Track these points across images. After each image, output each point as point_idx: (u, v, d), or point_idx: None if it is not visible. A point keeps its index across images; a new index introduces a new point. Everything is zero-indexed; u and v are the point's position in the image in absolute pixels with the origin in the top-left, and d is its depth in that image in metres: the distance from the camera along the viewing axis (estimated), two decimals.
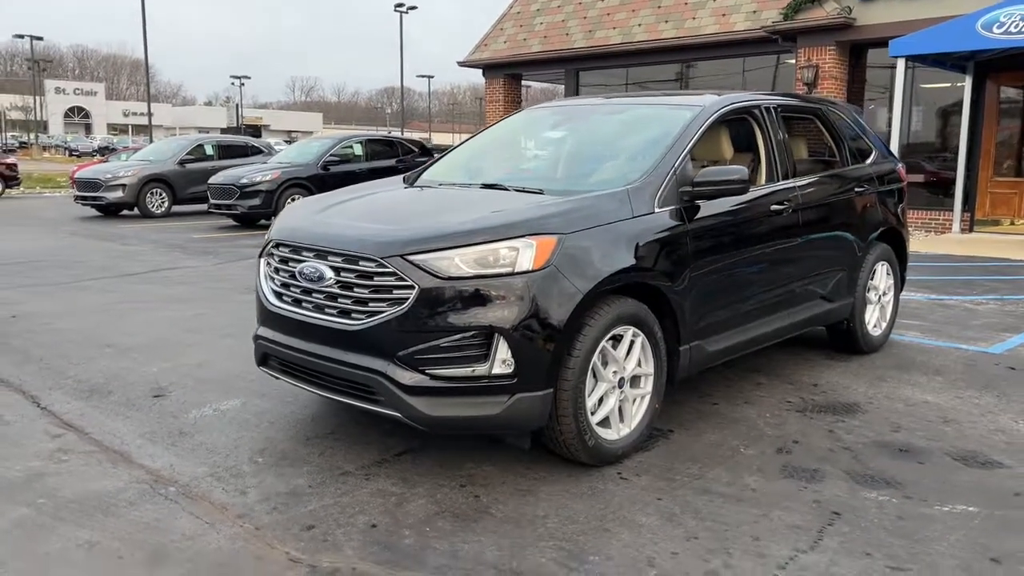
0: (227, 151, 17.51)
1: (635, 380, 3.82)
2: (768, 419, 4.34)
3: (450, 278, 3.29)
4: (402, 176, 4.77)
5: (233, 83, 74.30)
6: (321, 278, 3.55)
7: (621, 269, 3.60)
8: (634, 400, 3.82)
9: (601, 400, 3.66)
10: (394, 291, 3.34)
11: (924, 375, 5.18)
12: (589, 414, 3.56)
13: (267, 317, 3.86)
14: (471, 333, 3.29)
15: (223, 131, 60.60)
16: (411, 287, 3.29)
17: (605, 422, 3.68)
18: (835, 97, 13.36)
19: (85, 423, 4.19)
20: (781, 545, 3.00)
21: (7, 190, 24.28)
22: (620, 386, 3.71)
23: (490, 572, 2.81)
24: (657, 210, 3.85)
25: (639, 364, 3.80)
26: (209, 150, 17.32)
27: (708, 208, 4.08)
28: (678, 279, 3.88)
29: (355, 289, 3.45)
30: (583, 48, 18.44)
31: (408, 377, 3.32)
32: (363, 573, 2.80)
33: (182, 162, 16.69)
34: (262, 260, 3.98)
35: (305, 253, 3.66)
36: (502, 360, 3.32)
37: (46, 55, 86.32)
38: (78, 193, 16.44)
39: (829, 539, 3.05)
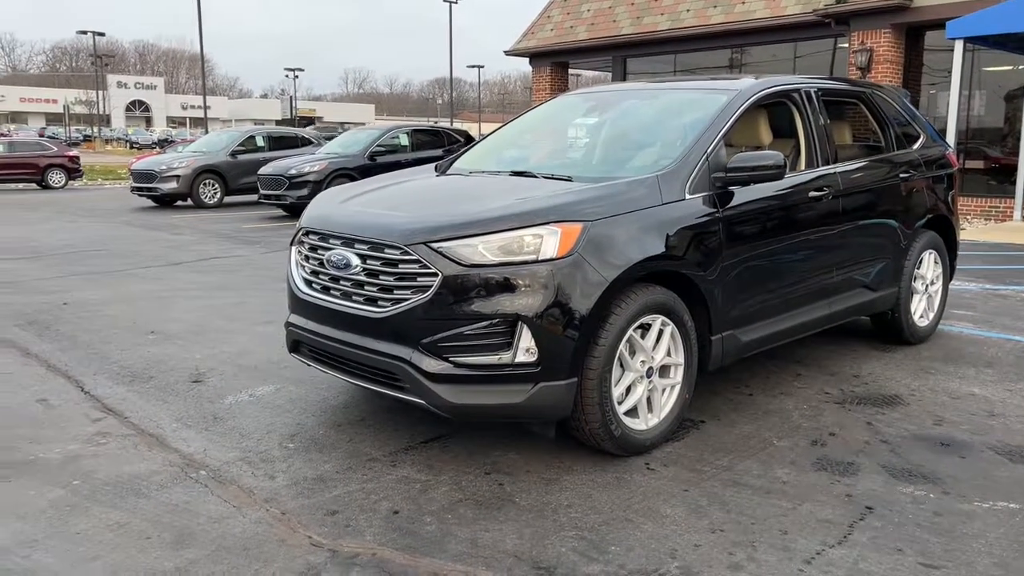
0: (278, 142, 17.78)
1: (664, 370, 3.76)
2: (804, 411, 4.24)
3: (473, 265, 3.27)
4: (434, 164, 4.77)
5: (287, 75, 75.45)
6: (348, 265, 3.57)
7: (649, 257, 3.55)
8: (663, 390, 3.76)
9: (629, 390, 3.62)
10: (418, 278, 3.34)
11: (973, 367, 5.00)
12: (616, 404, 3.52)
13: (297, 304, 3.90)
14: (495, 321, 3.27)
15: (277, 123, 61.54)
16: (435, 274, 3.29)
17: (633, 412, 3.63)
18: (885, 81, 12.97)
19: (125, 407, 4.29)
20: (809, 539, 2.93)
21: (70, 182, 25.09)
22: (648, 376, 3.66)
23: (509, 560, 2.80)
24: (688, 197, 3.78)
25: (668, 353, 3.74)
26: (260, 141, 17.61)
27: (742, 195, 3.99)
28: (710, 267, 3.81)
29: (381, 277, 3.46)
30: (630, 35, 18.25)
31: (432, 364, 3.32)
32: (383, 559, 2.81)
33: (234, 153, 17.00)
34: (293, 248, 4.02)
35: (333, 241, 3.68)
36: (526, 348, 3.30)
37: (109, 50, 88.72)
38: (134, 184, 16.86)
39: (859, 534, 2.97)
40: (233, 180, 16.83)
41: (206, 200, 16.57)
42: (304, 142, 18.03)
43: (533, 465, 3.56)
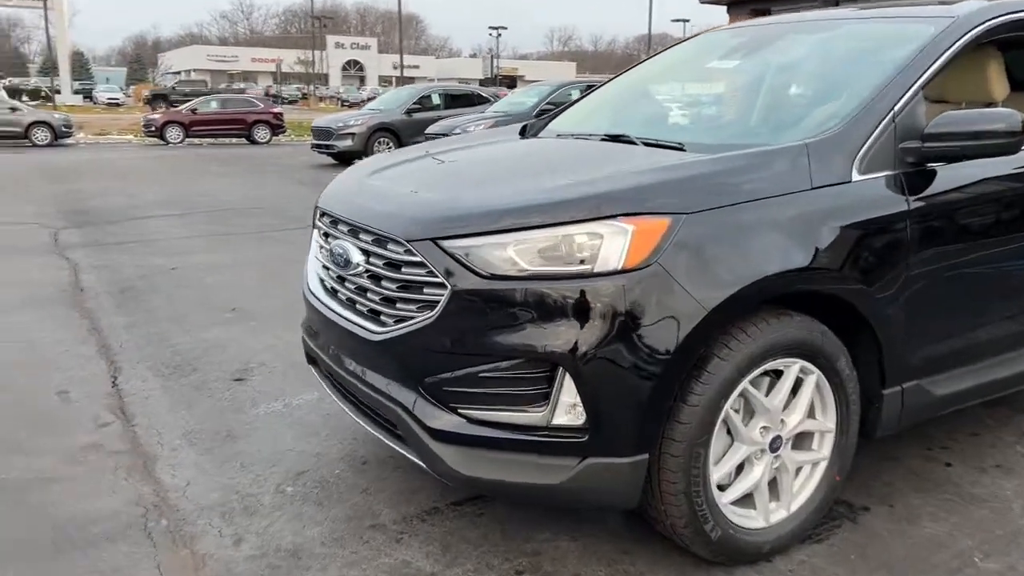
0: (453, 100, 17.23)
1: (802, 439, 2.53)
2: None
3: (497, 276, 2.19)
4: (524, 125, 3.68)
5: (491, 34, 75.83)
6: (348, 262, 2.61)
7: (786, 271, 2.30)
8: (798, 469, 2.53)
9: (740, 469, 2.43)
10: (424, 289, 2.31)
11: None
12: (715, 491, 2.34)
13: (306, 305, 3.00)
14: (523, 362, 2.19)
15: (480, 83, 62.05)
16: (443, 286, 2.25)
17: (745, 501, 2.44)
18: None
19: (142, 411, 3.63)
20: None
21: (274, 137, 26.15)
22: (774, 449, 2.44)
23: None
24: (858, 177, 2.46)
25: (810, 415, 2.50)
26: (436, 100, 17.13)
27: (948, 176, 2.60)
28: (887, 286, 2.49)
29: (383, 282, 2.46)
30: None
31: (434, 415, 2.30)
32: None
33: (409, 111, 16.64)
34: (314, 231, 3.12)
35: (341, 227, 2.73)
36: (569, 405, 2.19)
37: (331, 12, 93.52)
38: (314, 141, 16.98)
39: None
40: (407, 138, 16.43)
41: None
42: (480, 100, 17.35)
43: (589, 562, 2.47)
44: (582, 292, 2.15)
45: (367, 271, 2.52)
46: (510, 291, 2.18)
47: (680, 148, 2.68)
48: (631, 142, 2.87)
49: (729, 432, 2.38)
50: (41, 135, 23.69)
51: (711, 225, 2.24)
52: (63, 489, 2.92)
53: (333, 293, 2.77)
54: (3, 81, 61.74)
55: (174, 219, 9.25)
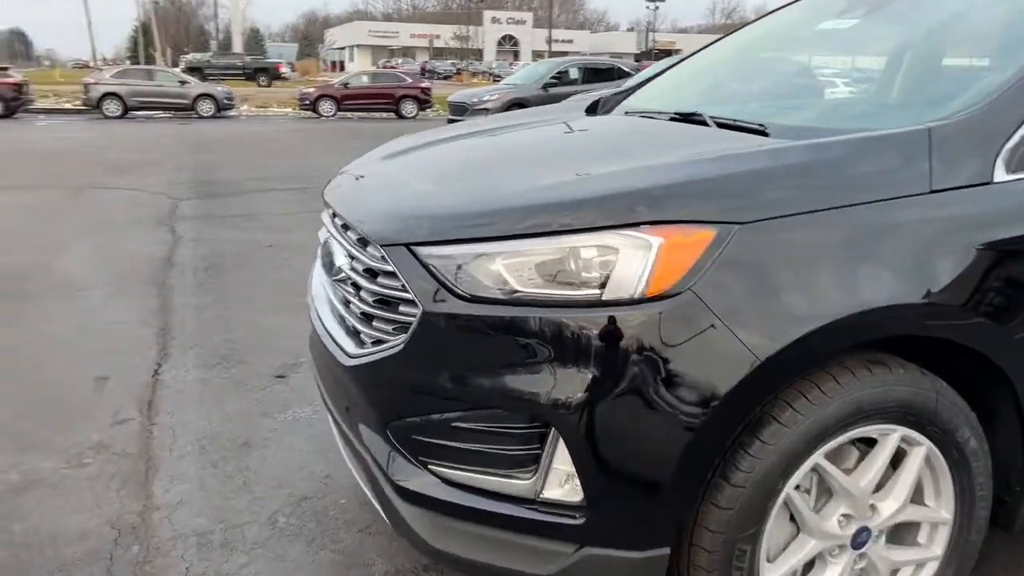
0: (593, 74, 16.59)
1: (902, 531, 1.86)
2: None
3: (477, 299, 1.67)
4: (597, 100, 3.09)
5: (648, 7, 73.60)
6: (331, 264, 2.16)
7: (884, 307, 1.64)
8: (894, 572, 1.87)
9: (809, 569, 1.80)
10: (400, 307, 1.82)
11: None
12: None
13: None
14: (505, 413, 1.67)
15: (636, 57, 60.62)
16: (415, 304, 1.74)
17: None
18: None
19: (168, 407, 3.37)
20: None
21: (420, 112, 26.38)
22: (858, 544, 1.80)
23: None
24: (1004, 177, 1.75)
25: (915, 500, 1.83)
26: (574, 74, 16.54)
27: None
28: None
29: (361, 292, 1.99)
30: None
31: (402, 467, 1.82)
32: None
33: (546, 86, 16.14)
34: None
35: (337, 220, 2.28)
36: (563, 475, 1.65)
37: None
38: (450, 116, 16.80)
39: None
40: None
41: None
42: (621, 74, 16.59)
43: None
44: (582, 327, 1.59)
45: (349, 278, 2.06)
46: (494, 319, 1.65)
47: (761, 131, 2.04)
48: (702, 122, 2.25)
49: (792, 519, 1.76)
50: (206, 107, 24.95)
51: (775, 240, 1.62)
52: (47, 499, 2.66)
53: (325, 301, 2.33)
54: (186, 57, 66.12)
55: (292, 193, 9.21)
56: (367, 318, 1.95)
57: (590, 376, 1.59)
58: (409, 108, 25.87)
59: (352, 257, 2.05)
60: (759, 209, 1.63)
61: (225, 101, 25.44)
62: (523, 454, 1.67)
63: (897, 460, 1.81)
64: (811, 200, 1.65)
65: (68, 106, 26.50)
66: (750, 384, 1.57)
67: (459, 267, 1.69)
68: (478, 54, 78.33)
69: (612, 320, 1.58)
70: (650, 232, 1.60)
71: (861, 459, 1.79)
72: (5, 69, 26.78)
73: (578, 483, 1.63)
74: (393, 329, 1.84)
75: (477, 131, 2.70)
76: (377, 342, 1.89)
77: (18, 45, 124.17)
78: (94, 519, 2.54)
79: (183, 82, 25.55)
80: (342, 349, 2.01)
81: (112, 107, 23.99)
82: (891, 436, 1.75)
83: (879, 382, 1.70)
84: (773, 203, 1.64)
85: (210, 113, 24.74)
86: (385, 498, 1.86)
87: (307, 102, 26.00)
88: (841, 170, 1.71)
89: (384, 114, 25.85)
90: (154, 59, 39.74)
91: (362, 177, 2.37)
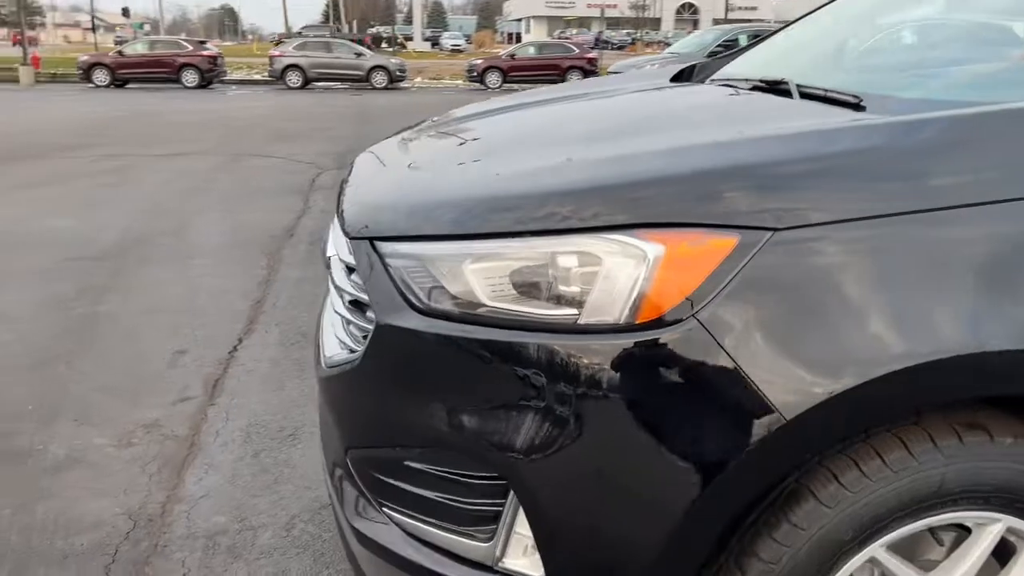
0: None
1: None
2: None
3: (434, 313, 1.33)
4: (687, 67, 2.63)
5: None
6: (324, 254, 1.89)
7: (980, 352, 1.15)
8: None
9: None
10: (367, 312, 1.51)
11: None
12: None
13: None
14: (461, 460, 1.33)
15: None
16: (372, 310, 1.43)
17: None
18: None
19: (232, 387, 3.27)
20: None
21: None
22: None
23: None
24: None
25: None
26: (744, 42, 15.46)
27: None
28: None
29: (343, 293, 1.70)
30: None
31: (359, 505, 1.53)
32: None
33: (711, 54, 15.20)
34: None
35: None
36: (527, 543, 1.30)
37: None
38: None
39: None
40: None
41: None
42: None
43: None
44: (549, 359, 1.22)
45: (335, 275, 1.78)
46: (451, 340, 1.30)
47: (855, 103, 1.55)
48: (786, 92, 1.77)
49: None
50: (379, 78, 25.74)
51: (827, 252, 1.17)
52: (81, 480, 2.59)
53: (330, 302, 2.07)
54: (372, 29, 68.81)
55: None
56: (345, 322, 1.66)
57: (553, 424, 1.22)
58: (575, 79, 25.49)
59: (337, 250, 1.76)
60: (806, 209, 1.18)
61: (398, 73, 26.12)
62: (482, 510, 1.33)
63: (1002, 556, 1.32)
64: (895, 198, 1.18)
65: (257, 77, 28.17)
66: (771, 452, 1.15)
67: (420, 270, 1.36)
68: (655, 23, 76.24)
69: (585, 352, 1.20)
70: (647, 237, 1.20)
71: (952, 549, 1.32)
72: (203, 43, 28.84)
73: (539, 558, 1.27)
74: (362, 336, 1.54)
75: (534, 100, 2.32)
76: (351, 351, 1.60)
77: (227, 21, 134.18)
78: (116, 507, 2.44)
79: (359, 54, 26.43)
80: (322, 355, 1.74)
81: (294, 78, 25.23)
82: (990, 528, 1.27)
83: (973, 454, 1.21)
84: (829, 201, 1.19)
85: (383, 84, 25.49)
86: (341, 532, 1.58)
87: (475, 74, 26.24)
88: (952, 157, 1.22)
89: (550, 85, 25.61)
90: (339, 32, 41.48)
91: (377, 158, 2.07)
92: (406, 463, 1.39)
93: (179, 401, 3.14)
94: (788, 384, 1.15)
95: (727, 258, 1.17)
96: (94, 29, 42.96)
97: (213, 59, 25.71)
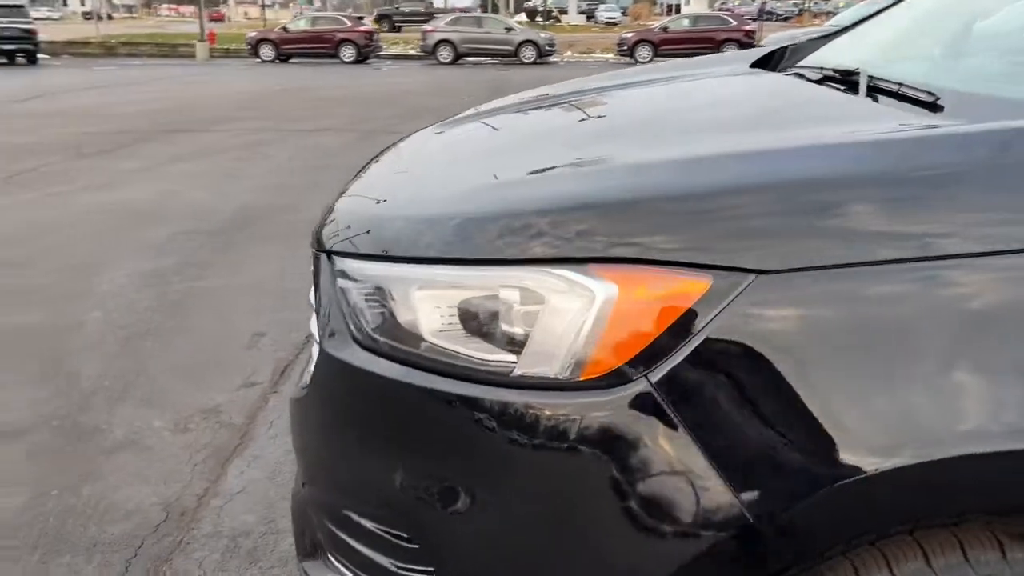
0: None
1: None
2: None
3: (371, 347, 1.13)
4: (782, 48, 2.28)
5: None
6: None
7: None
8: None
9: None
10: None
11: None
12: None
13: None
14: (385, 520, 1.15)
15: None
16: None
17: None
18: None
19: (297, 374, 3.22)
20: None
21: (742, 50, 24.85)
22: None
23: None
24: None
25: None
26: None
27: None
28: None
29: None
30: None
31: (306, 546, 1.38)
32: None
33: None
34: None
35: None
36: None
37: None
38: None
39: None
40: None
41: None
42: None
43: None
44: (474, 414, 1.01)
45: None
46: (381, 382, 1.11)
47: (930, 102, 1.23)
48: (849, 88, 1.45)
49: None
50: (528, 53, 25.66)
51: (816, 305, 0.90)
52: (129, 463, 2.61)
53: None
54: (528, 3, 68.73)
55: None
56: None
57: (473, 494, 1.02)
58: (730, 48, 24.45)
59: None
60: (806, 247, 0.91)
61: (546, 47, 25.94)
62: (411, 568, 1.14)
63: None
64: (914, 237, 0.89)
65: (412, 52, 28.76)
66: (733, 566, 0.90)
67: (369, 294, 1.17)
68: None
69: (514, 411, 0.98)
70: (599, 273, 0.96)
71: None
72: (360, 19, 29.69)
73: None
74: None
75: (595, 87, 2.07)
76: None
77: None
78: (154, 496, 2.43)
79: (509, 29, 26.43)
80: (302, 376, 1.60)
81: (445, 53, 25.57)
82: None
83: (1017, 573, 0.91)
84: (836, 238, 0.91)
85: (531, 59, 25.38)
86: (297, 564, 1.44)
87: (625, 47, 25.67)
88: (987, 181, 0.91)
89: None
90: (497, 8, 41.71)
91: (399, 154, 1.89)
92: (344, 512, 1.22)
93: (244, 386, 3.13)
94: (763, 478, 0.89)
95: (694, 306, 0.92)
96: (263, 7, 45.36)
97: (369, 35, 26.47)
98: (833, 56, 1.96)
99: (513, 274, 1.01)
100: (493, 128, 1.73)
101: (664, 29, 25.67)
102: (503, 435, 0.99)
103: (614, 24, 53.43)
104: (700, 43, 24.75)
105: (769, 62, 2.19)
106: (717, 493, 0.89)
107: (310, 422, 1.29)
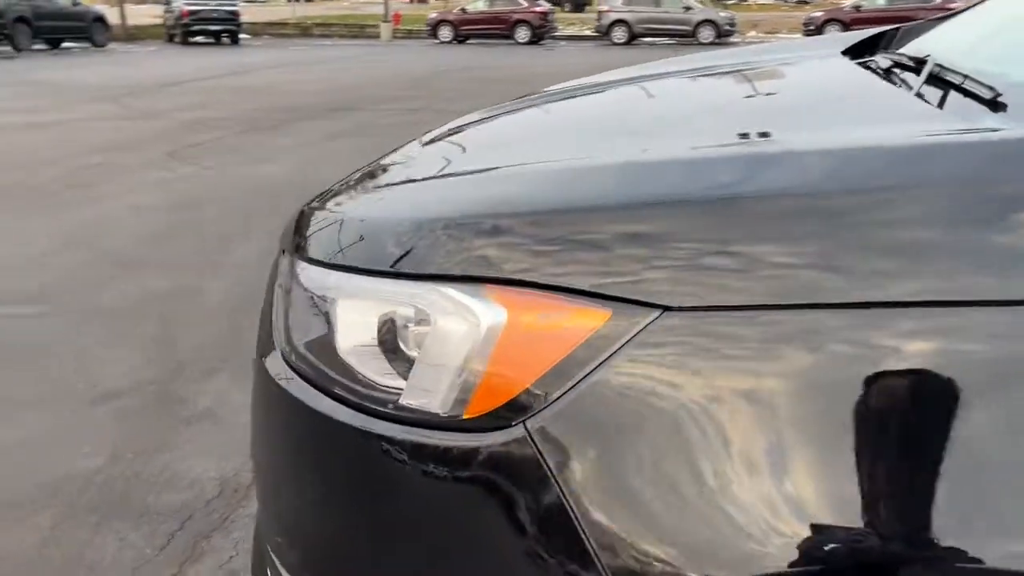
0: None
1: None
2: None
3: (293, 362, 1.03)
4: (892, 31, 1.96)
5: None
6: None
7: None
8: None
9: None
10: None
11: None
12: None
13: None
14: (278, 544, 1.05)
15: None
16: None
17: None
18: None
19: None
20: None
21: None
22: None
23: None
24: None
25: None
26: None
27: None
28: None
29: None
30: None
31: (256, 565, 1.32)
32: None
33: None
34: None
35: None
36: None
37: None
38: None
39: None
40: None
41: None
42: None
43: None
44: (357, 448, 0.90)
45: None
46: (294, 403, 1.01)
47: (991, 100, 0.97)
48: (903, 82, 1.21)
49: None
50: (706, 33, 24.82)
51: (733, 347, 0.71)
52: (203, 433, 2.69)
53: None
54: None
55: None
56: None
57: (358, 530, 0.90)
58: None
59: None
60: (727, 283, 0.72)
61: (726, 27, 24.98)
62: None
63: None
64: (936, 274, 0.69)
65: (587, 33, 28.53)
66: None
67: (314, 303, 1.07)
68: None
69: (391, 448, 0.85)
70: (489, 295, 0.81)
71: None
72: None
73: None
74: None
75: (668, 71, 1.87)
76: None
77: None
78: (216, 469, 2.49)
79: (687, 8, 25.61)
80: None
81: (619, 34, 25.18)
82: None
83: None
84: (764, 273, 0.71)
85: (710, 40, 24.51)
86: None
87: (812, 27, 24.22)
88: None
89: None
90: None
91: (419, 141, 1.78)
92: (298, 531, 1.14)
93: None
94: (644, 558, 0.71)
95: (586, 341, 0.75)
96: None
97: (544, 15, 26.51)
98: (919, 44, 1.66)
99: (406, 289, 0.88)
100: (492, 124, 1.58)
101: (857, 8, 23.93)
102: (378, 473, 0.87)
103: (805, 3, 50.59)
104: (899, 22, 22.93)
105: (878, 43, 1.90)
106: (582, 562, 0.73)
107: (259, 436, 1.21)
